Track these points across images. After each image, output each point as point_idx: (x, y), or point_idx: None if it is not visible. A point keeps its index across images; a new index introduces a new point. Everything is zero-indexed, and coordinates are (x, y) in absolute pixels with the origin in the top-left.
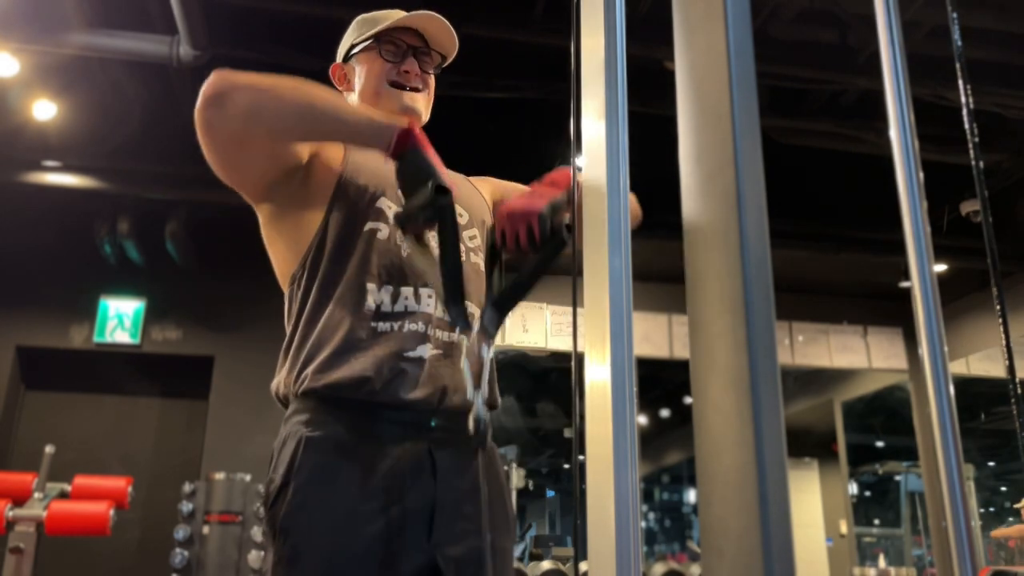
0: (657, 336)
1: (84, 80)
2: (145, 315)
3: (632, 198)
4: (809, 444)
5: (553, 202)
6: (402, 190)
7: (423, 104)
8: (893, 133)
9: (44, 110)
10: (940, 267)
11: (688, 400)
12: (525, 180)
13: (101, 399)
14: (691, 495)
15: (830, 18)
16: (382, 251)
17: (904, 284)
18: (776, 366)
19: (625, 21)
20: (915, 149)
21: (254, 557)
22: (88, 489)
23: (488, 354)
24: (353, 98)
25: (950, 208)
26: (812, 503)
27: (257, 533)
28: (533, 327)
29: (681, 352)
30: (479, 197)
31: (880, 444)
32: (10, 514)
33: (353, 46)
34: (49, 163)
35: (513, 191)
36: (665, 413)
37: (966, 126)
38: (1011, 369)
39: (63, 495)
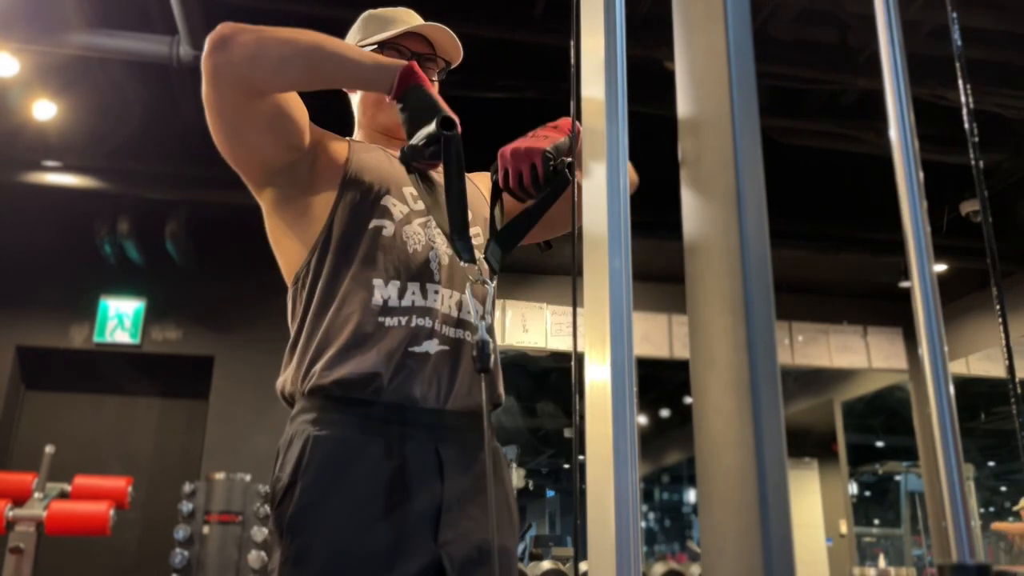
0: (657, 336)
1: (84, 80)
2: (145, 315)
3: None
4: (809, 444)
5: (557, 144)
6: (406, 128)
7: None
8: (893, 133)
9: (44, 110)
10: (940, 267)
11: (688, 400)
12: None
13: (101, 399)
14: (691, 495)
15: (830, 18)
16: (388, 247)
17: (904, 284)
18: (776, 366)
19: (625, 21)
20: (915, 149)
21: (254, 557)
22: (88, 489)
23: (492, 285)
24: (355, 99)
25: (950, 208)
26: (812, 503)
27: (257, 533)
28: (533, 327)
29: (681, 352)
30: (478, 192)
31: (880, 444)
32: (10, 514)
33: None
34: (49, 163)
35: None
36: (665, 413)
37: (966, 126)
38: (1011, 369)
39: (63, 495)
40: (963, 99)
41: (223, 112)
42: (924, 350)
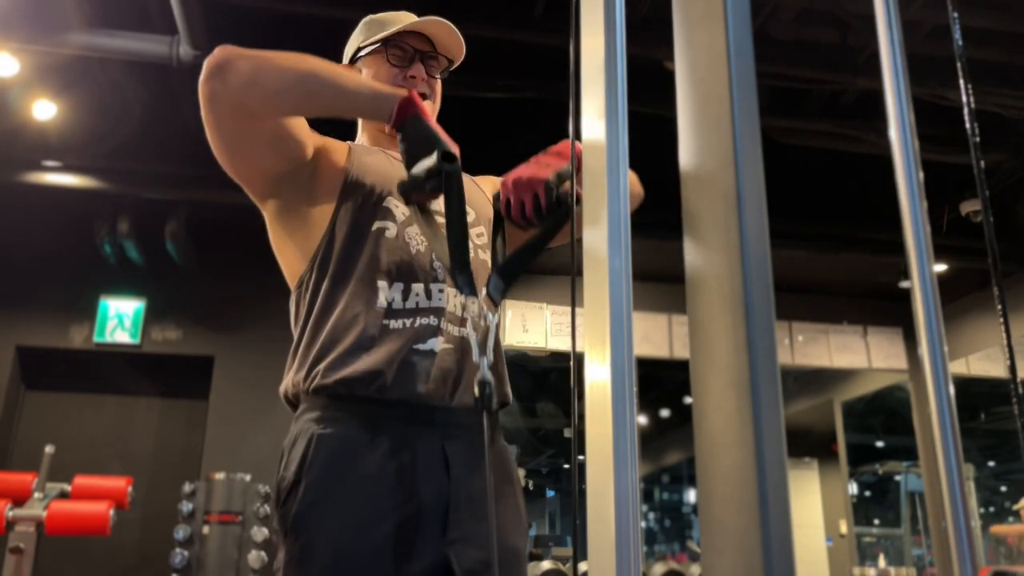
0: (657, 336)
1: (84, 80)
2: (145, 315)
3: (633, 176)
4: (809, 444)
5: (559, 171)
6: (405, 159)
7: (429, 112)
8: (893, 133)
9: (44, 110)
10: (940, 267)
11: (688, 400)
12: None
13: (101, 399)
14: (691, 495)
15: (830, 18)
16: (391, 249)
17: (904, 284)
18: (776, 366)
19: (625, 21)
20: (915, 149)
21: (254, 557)
22: (88, 489)
23: (493, 320)
24: None
25: (950, 208)
26: (812, 503)
27: (257, 533)
28: (533, 327)
29: (681, 352)
30: (483, 195)
31: (880, 444)
32: (10, 514)
33: (359, 49)
34: (49, 163)
35: None
36: (665, 413)
37: (967, 126)
38: (1012, 369)
39: (63, 495)
40: (964, 99)
41: (222, 132)
42: (924, 350)
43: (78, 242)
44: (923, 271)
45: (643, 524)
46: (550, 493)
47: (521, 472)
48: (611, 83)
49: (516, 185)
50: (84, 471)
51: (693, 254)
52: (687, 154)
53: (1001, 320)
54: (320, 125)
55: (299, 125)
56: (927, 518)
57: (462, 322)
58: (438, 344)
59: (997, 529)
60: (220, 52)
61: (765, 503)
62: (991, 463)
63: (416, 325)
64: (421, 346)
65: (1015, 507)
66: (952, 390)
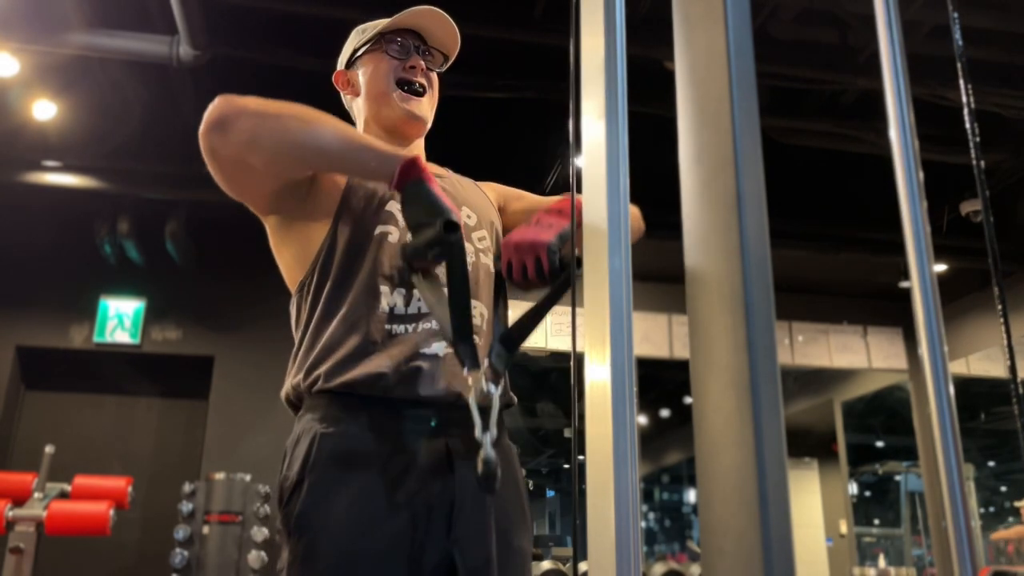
0: (657, 336)
1: (84, 80)
2: (145, 315)
3: (635, 211)
4: (809, 444)
5: (561, 233)
6: (407, 223)
7: (428, 109)
8: (893, 133)
9: (44, 110)
10: (940, 267)
11: (688, 400)
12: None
13: (101, 399)
14: (691, 495)
15: (830, 18)
16: (393, 254)
17: (904, 284)
18: (776, 366)
19: (625, 21)
20: (915, 149)
21: (254, 557)
22: (88, 489)
23: (497, 391)
24: (359, 103)
25: (950, 208)
26: (812, 503)
27: (257, 533)
28: None
29: (681, 352)
30: (485, 198)
31: (880, 444)
32: (10, 514)
33: (356, 50)
34: (49, 163)
35: (517, 197)
36: (665, 413)
37: (967, 126)
38: (1012, 369)
39: (63, 495)
40: (964, 99)
41: (222, 174)
42: (924, 350)
43: (78, 242)
44: (923, 271)
45: (643, 524)
46: (550, 493)
47: (521, 472)
48: (611, 83)
49: (518, 248)
50: (84, 471)
51: (693, 254)
52: (687, 154)
53: (1001, 320)
54: None
55: None
56: (927, 518)
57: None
58: (443, 348)
59: (998, 535)
60: (221, 105)
61: (765, 503)
62: (991, 463)
63: (419, 330)
64: (427, 350)
65: (1016, 504)
66: (952, 390)
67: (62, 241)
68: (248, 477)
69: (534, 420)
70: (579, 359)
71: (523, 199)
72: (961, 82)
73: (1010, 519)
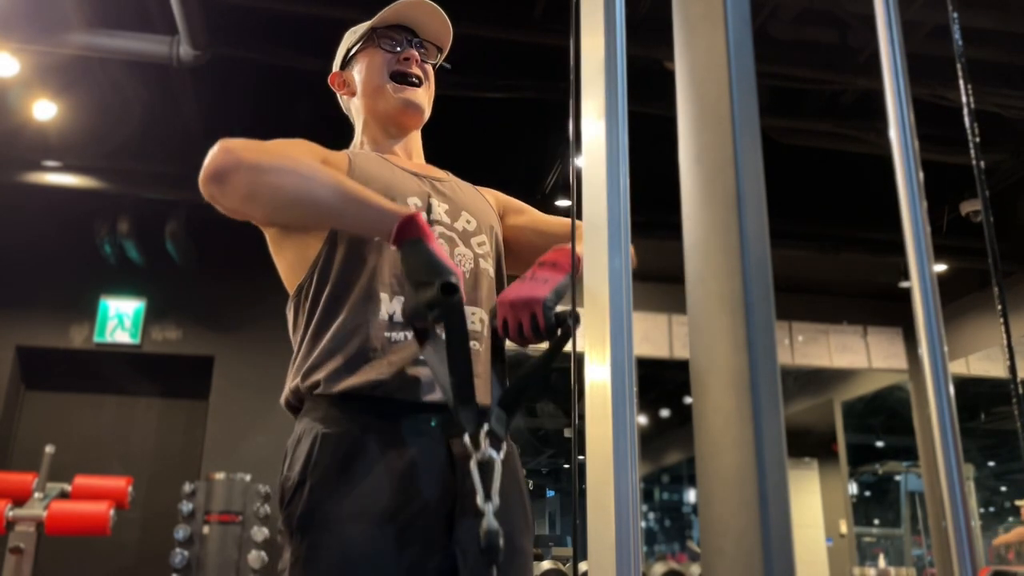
0: (657, 336)
1: (84, 80)
2: (145, 315)
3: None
4: (809, 444)
5: (557, 288)
6: (408, 280)
7: (424, 99)
8: (893, 133)
9: (44, 110)
10: (940, 267)
11: (688, 400)
12: (525, 181)
13: (101, 399)
14: (691, 495)
15: (830, 18)
16: (393, 261)
17: (904, 284)
18: (776, 366)
19: (625, 21)
20: (915, 149)
21: (254, 557)
22: (88, 489)
23: (499, 456)
24: (356, 102)
25: (950, 208)
26: (812, 503)
27: (257, 533)
28: None
29: (681, 352)
30: (485, 202)
31: (880, 444)
32: (10, 514)
33: (349, 49)
34: (49, 163)
35: (517, 210)
36: (665, 413)
37: (967, 126)
38: (1012, 369)
39: (63, 495)
40: (964, 99)
41: (225, 212)
42: (924, 350)
43: (78, 242)
44: (923, 271)
45: (643, 524)
46: (550, 493)
47: (522, 472)
48: (611, 83)
49: (513, 305)
50: (84, 471)
51: (693, 254)
52: (687, 154)
53: (1001, 320)
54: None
55: None
56: (927, 518)
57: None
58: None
59: (1000, 541)
60: (218, 158)
61: (765, 503)
62: (991, 463)
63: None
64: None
65: (1018, 503)
66: (952, 390)
67: (62, 241)
68: (248, 477)
69: (534, 420)
70: (579, 359)
71: (523, 213)
72: (961, 82)
73: (1010, 519)
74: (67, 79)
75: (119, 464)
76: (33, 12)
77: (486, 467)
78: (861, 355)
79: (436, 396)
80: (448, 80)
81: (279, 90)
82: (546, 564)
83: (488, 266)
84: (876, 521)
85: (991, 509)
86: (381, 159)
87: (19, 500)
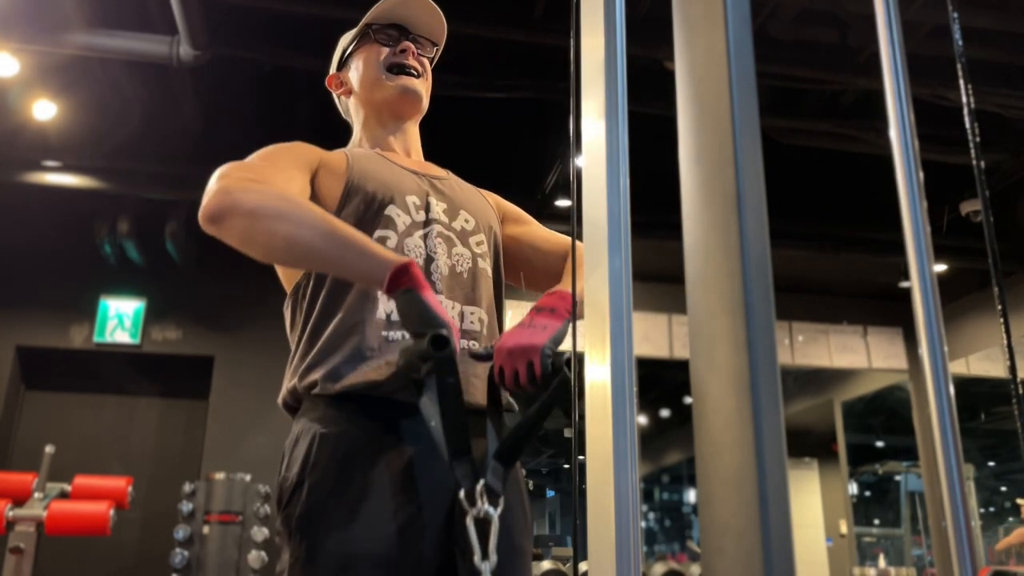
0: (657, 336)
1: (84, 80)
2: (145, 315)
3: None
4: (809, 444)
5: (555, 336)
6: (405, 329)
7: (422, 89)
8: (893, 133)
9: (44, 110)
10: (940, 267)
11: (688, 400)
12: (525, 181)
13: (101, 399)
14: (691, 495)
15: (830, 18)
16: None
17: (904, 284)
18: (776, 366)
19: (625, 21)
20: (915, 149)
21: (254, 557)
22: (88, 489)
23: (496, 513)
24: (354, 101)
25: (950, 208)
26: (812, 503)
27: (257, 533)
28: None
29: (681, 352)
30: (484, 201)
31: (880, 444)
32: (10, 514)
33: (345, 50)
34: (49, 163)
35: (515, 219)
36: (665, 413)
37: (967, 126)
38: (1012, 369)
39: (63, 495)
40: (964, 99)
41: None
42: (924, 350)
43: (78, 242)
44: (923, 271)
45: (643, 524)
46: (550, 493)
47: (521, 472)
48: (611, 83)
49: (511, 353)
50: (84, 471)
51: (693, 254)
52: (687, 154)
53: (1001, 320)
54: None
55: (299, 191)
56: (927, 518)
57: (462, 334)
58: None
59: (1002, 545)
60: (215, 199)
61: (765, 503)
62: (991, 463)
63: None
64: None
65: (1019, 501)
66: (952, 390)
67: (62, 241)
68: (248, 477)
69: None
70: (579, 359)
71: (521, 223)
72: (961, 82)
73: (1010, 519)
74: (67, 79)
75: (119, 464)
76: (33, 12)
77: (483, 524)
78: (861, 355)
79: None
80: (449, 80)
81: (279, 90)
82: (546, 564)
83: (486, 265)
84: (876, 521)
85: (991, 509)
86: (380, 157)
87: (19, 500)
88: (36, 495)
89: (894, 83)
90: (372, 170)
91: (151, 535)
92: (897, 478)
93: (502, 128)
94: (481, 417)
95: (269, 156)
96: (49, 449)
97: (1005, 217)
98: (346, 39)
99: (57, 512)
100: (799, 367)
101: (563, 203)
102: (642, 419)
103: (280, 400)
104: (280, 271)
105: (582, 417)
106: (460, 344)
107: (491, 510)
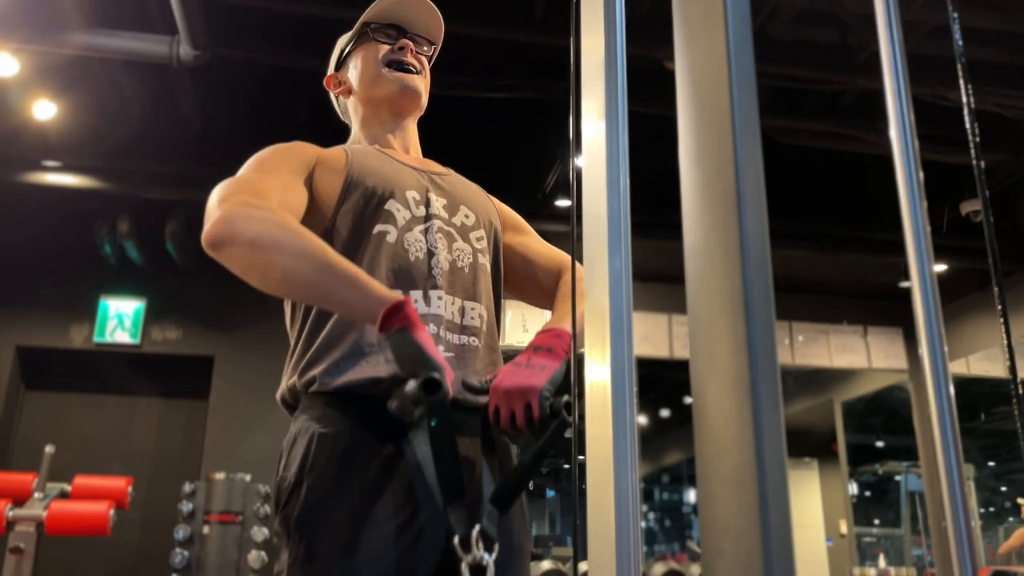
0: (657, 336)
1: (84, 80)
2: (145, 315)
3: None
4: (809, 444)
5: (553, 377)
6: (398, 368)
7: (422, 85)
8: (893, 133)
9: (44, 110)
10: (940, 267)
11: (688, 400)
12: (525, 181)
13: (101, 399)
14: (691, 495)
15: (830, 18)
16: (390, 255)
17: (904, 284)
18: (776, 366)
19: (625, 21)
20: (915, 149)
21: (254, 557)
22: (88, 489)
23: (491, 559)
24: (353, 101)
25: (950, 208)
26: (812, 503)
27: (257, 533)
28: (533, 327)
29: (681, 352)
30: (486, 199)
31: (880, 444)
32: (10, 514)
33: (343, 49)
34: (49, 163)
35: (514, 227)
36: (665, 413)
37: (967, 126)
38: (1012, 369)
39: (63, 495)
40: (964, 99)
41: None
42: (924, 350)
43: (78, 242)
44: (923, 271)
45: (643, 524)
46: (550, 493)
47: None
48: (611, 83)
49: (508, 394)
50: (84, 471)
51: (693, 254)
52: (687, 154)
53: (1001, 320)
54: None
55: (297, 201)
56: (927, 518)
57: (461, 329)
58: (440, 353)
59: (1005, 548)
60: (216, 228)
61: (765, 503)
62: (991, 463)
63: None
64: None
65: (1020, 501)
66: (952, 390)
67: (62, 241)
68: (248, 477)
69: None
70: (579, 359)
71: (520, 233)
72: (961, 82)
73: (1011, 519)
74: (67, 79)
75: (119, 464)
76: (33, 12)
77: (479, 571)
78: (861, 355)
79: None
80: (449, 80)
81: (279, 90)
82: (546, 564)
83: (486, 261)
84: (876, 521)
85: (991, 509)
86: (380, 153)
87: (19, 500)
88: (36, 495)
89: (894, 83)
90: (372, 165)
91: (151, 535)
92: (897, 478)
93: (502, 128)
94: (476, 416)
95: (265, 164)
96: (49, 449)
97: (1005, 217)
98: (344, 39)
99: (57, 512)
100: (799, 367)
101: (563, 203)
102: (642, 419)
103: (278, 396)
104: None
105: (582, 417)
106: (459, 339)
107: (487, 556)
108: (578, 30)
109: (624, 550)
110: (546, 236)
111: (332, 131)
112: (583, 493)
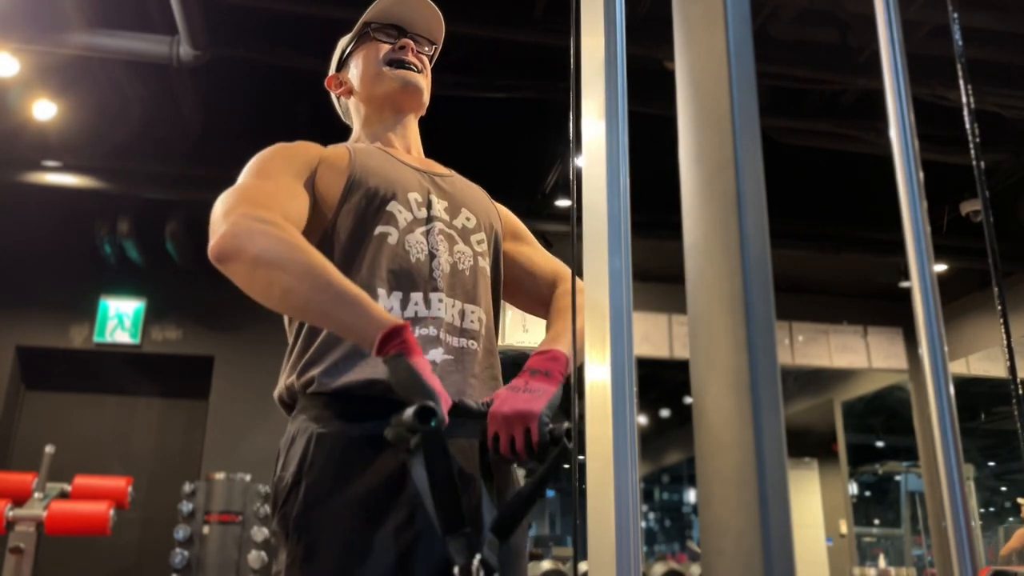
0: (657, 336)
1: (84, 80)
2: (145, 315)
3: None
4: (809, 444)
5: (551, 402)
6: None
7: (423, 83)
8: (893, 133)
9: (44, 110)
10: (940, 267)
11: (688, 400)
12: (525, 181)
13: (101, 399)
14: (691, 495)
15: (830, 18)
16: (391, 256)
17: (904, 284)
18: (776, 366)
19: (625, 21)
20: (915, 149)
21: (254, 557)
22: (88, 489)
23: None
24: (354, 101)
25: (950, 208)
26: (812, 503)
27: (257, 533)
28: (533, 327)
29: (681, 352)
30: (488, 201)
31: (880, 444)
32: (10, 514)
33: (344, 50)
34: (49, 163)
35: (514, 234)
36: (665, 413)
37: (967, 126)
38: (1012, 369)
39: (63, 495)
40: (964, 99)
41: None
42: (924, 350)
43: (78, 242)
44: (923, 271)
45: (643, 524)
46: (550, 493)
47: (521, 472)
48: (611, 83)
49: (507, 419)
50: (84, 471)
51: (693, 254)
52: (687, 154)
53: (1001, 320)
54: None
55: (302, 212)
56: (927, 518)
57: (461, 332)
58: (439, 355)
59: (1006, 550)
60: (222, 242)
61: (765, 503)
62: (991, 463)
63: (416, 335)
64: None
65: (1020, 500)
66: (952, 390)
67: (62, 241)
68: (248, 477)
69: None
70: (580, 368)
71: (520, 242)
72: (961, 82)
73: (1011, 519)
74: (67, 79)
75: (119, 464)
76: (33, 12)
77: None
78: (861, 355)
79: None
80: (449, 80)
81: (279, 90)
82: (546, 564)
83: (486, 264)
84: (876, 521)
85: (991, 509)
86: (382, 152)
87: (19, 500)
88: (36, 495)
89: (894, 83)
90: (374, 166)
91: (151, 535)
92: (897, 478)
93: (502, 128)
94: (477, 420)
95: (267, 168)
96: (49, 449)
97: (1005, 217)
98: (345, 40)
99: (57, 512)
100: (799, 367)
101: (563, 203)
102: (642, 419)
103: (276, 395)
104: None
105: (582, 417)
106: (459, 342)
107: None
108: (578, 30)
109: (624, 550)
110: (546, 236)
111: (332, 131)
112: (583, 493)
